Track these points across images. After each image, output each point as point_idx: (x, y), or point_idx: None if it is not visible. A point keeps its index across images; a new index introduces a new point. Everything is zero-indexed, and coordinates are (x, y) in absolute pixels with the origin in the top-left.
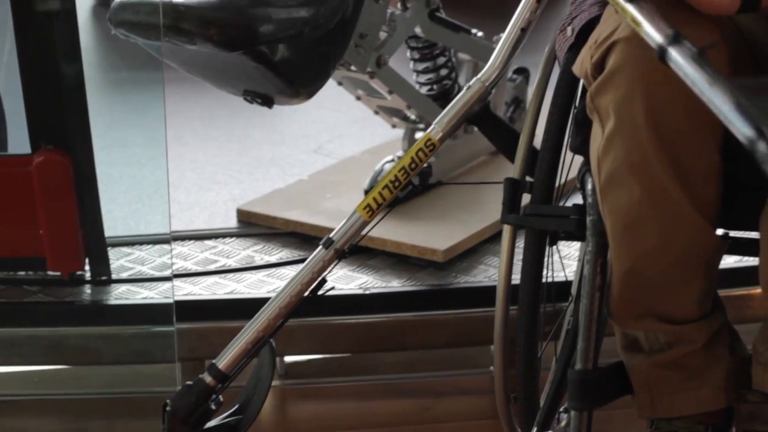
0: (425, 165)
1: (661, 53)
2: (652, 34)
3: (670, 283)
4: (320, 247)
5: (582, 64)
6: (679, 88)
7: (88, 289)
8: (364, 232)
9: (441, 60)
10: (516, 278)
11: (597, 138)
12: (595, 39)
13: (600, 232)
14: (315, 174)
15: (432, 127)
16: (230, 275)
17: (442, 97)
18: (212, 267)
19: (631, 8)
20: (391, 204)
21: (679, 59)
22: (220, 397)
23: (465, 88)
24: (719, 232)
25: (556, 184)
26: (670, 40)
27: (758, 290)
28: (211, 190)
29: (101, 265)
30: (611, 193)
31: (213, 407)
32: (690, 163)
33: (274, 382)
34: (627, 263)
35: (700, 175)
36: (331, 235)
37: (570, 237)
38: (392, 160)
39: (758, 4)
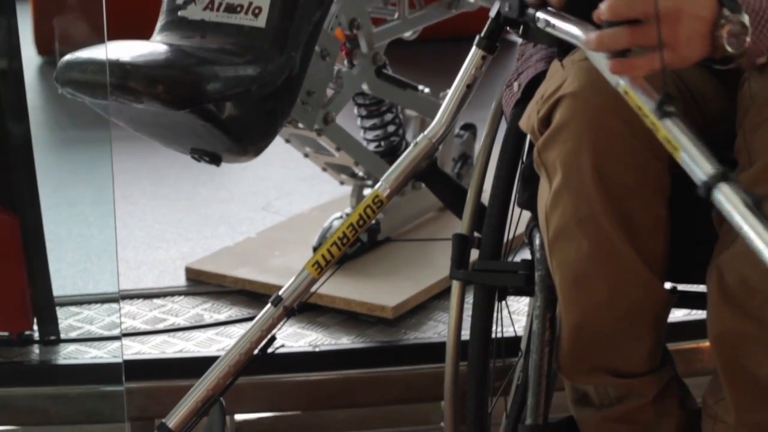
0: (373, 222)
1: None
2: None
3: (620, 336)
4: (269, 304)
5: (529, 119)
6: (626, 144)
7: (36, 349)
8: (313, 289)
9: (388, 116)
10: (465, 334)
11: (545, 193)
12: (541, 94)
13: (548, 287)
14: (263, 231)
15: (379, 183)
16: (179, 334)
17: (390, 154)
18: (161, 326)
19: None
20: (339, 261)
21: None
22: None
23: (412, 144)
24: (667, 285)
25: (505, 240)
26: (717, 177)
27: (707, 343)
28: (160, 249)
29: (50, 325)
30: (560, 248)
31: None
32: (638, 218)
33: None
34: (576, 317)
35: (647, 229)
36: (280, 293)
37: (519, 292)
38: (341, 217)
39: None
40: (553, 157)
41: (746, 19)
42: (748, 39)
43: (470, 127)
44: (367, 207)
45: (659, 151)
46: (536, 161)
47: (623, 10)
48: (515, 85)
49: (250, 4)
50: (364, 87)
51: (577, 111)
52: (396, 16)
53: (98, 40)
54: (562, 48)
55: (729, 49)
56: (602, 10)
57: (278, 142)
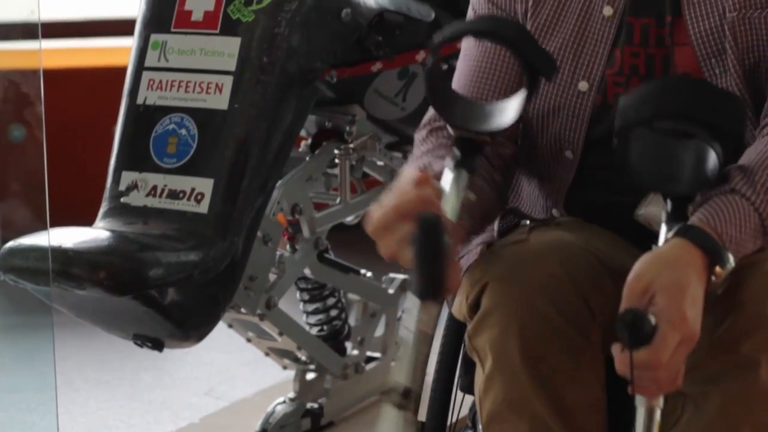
0: (316, 406)
1: None
2: None
3: None
4: None
5: (460, 307)
6: (554, 326)
7: None
8: None
9: (331, 301)
10: None
11: (479, 378)
12: (469, 281)
13: None
14: (206, 417)
15: None
16: None
17: (333, 338)
18: None
19: None
20: None
21: None
22: None
23: None
24: None
25: (448, 423)
26: None
27: None
28: None
29: None
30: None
31: None
32: (571, 399)
33: None
34: None
35: (582, 409)
36: None
37: None
38: (284, 402)
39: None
40: (482, 342)
41: (733, 263)
42: (732, 265)
43: None
44: None
45: (590, 332)
46: (468, 347)
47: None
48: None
49: (193, 190)
50: (307, 271)
51: (503, 296)
52: (338, 200)
53: (41, 226)
54: (501, 234)
55: (715, 288)
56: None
57: (221, 326)
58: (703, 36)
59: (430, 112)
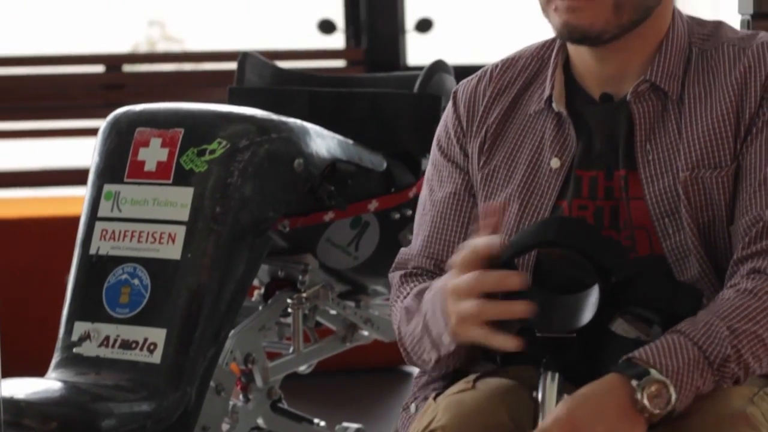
0: None
1: None
2: None
3: None
4: None
5: None
6: None
7: None
8: None
9: None
10: None
11: None
12: (415, 428)
13: None
14: None
15: None
16: None
17: None
18: None
19: None
20: None
21: None
22: None
23: None
24: None
25: None
26: None
27: None
28: None
29: None
30: None
31: None
32: None
33: None
34: None
35: None
36: None
37: None
38: None
39: None
40: None
41: (656, 373)
42: (672, 392)
43: None
44: None
45: None
46: None
47: None
48: (412, 406)
49: (146, 340)
50: (260, 421)
51: None
52: (291, 350)
53: None
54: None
55: (658, 410)
56: None
57: None
58: (659, 195)
59: (404, 252)
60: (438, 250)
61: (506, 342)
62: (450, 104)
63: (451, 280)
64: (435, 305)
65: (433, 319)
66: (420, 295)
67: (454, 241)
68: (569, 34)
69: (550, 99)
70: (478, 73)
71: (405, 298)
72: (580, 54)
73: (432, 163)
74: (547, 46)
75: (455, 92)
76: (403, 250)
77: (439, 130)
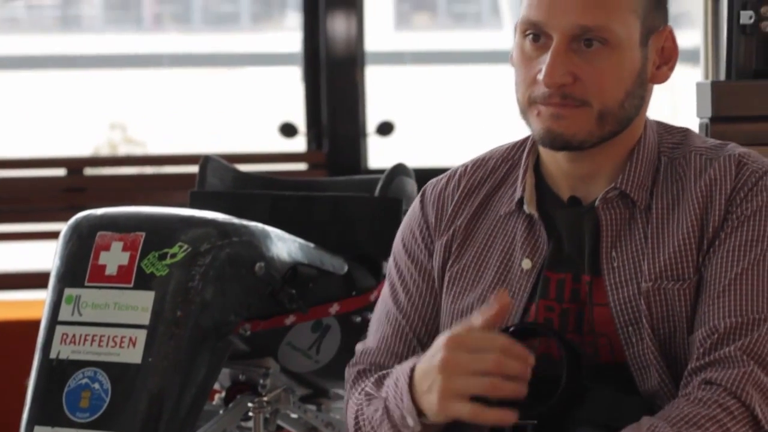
0: None
1: None
2: None
3: None
4: None
5: None
6: None
7: None
8: None
9: None
10: None
11: None
12: None
13: None
14: None
15: None
16: None
17: None
18: None
19: None
20: None
21: None
22: None
23: None
24: None
25: None
26: None
27: None
28: None
29: None
30: None
31: None
32: None
33: None
34: None
35: None
36: None
37: None
38: None
39: None
40: None
41: None
42: None
43: None
44: None
45: None
46: None
47: None
48: None
49: None
50: None
51: None
52: None
53: None
54: None
55: None
56: None
57: None
58: (623, 303)
59: (361, 347)
60: (398, 349)
61: (503, 416)
62: (417, 203)
63: (440, 354)
64: (399, 389)
65: (395, 402)
66: (380, 381)
67: (414, 340)
68: (551, 141)
69: (521, 201)
70: (448, 173)
71: (360, 393)
72: (551, 155)
73: (394, 260)
74: (517, 147)
75: (423, 191)
76: (359, 345)
77: (404, 229)
